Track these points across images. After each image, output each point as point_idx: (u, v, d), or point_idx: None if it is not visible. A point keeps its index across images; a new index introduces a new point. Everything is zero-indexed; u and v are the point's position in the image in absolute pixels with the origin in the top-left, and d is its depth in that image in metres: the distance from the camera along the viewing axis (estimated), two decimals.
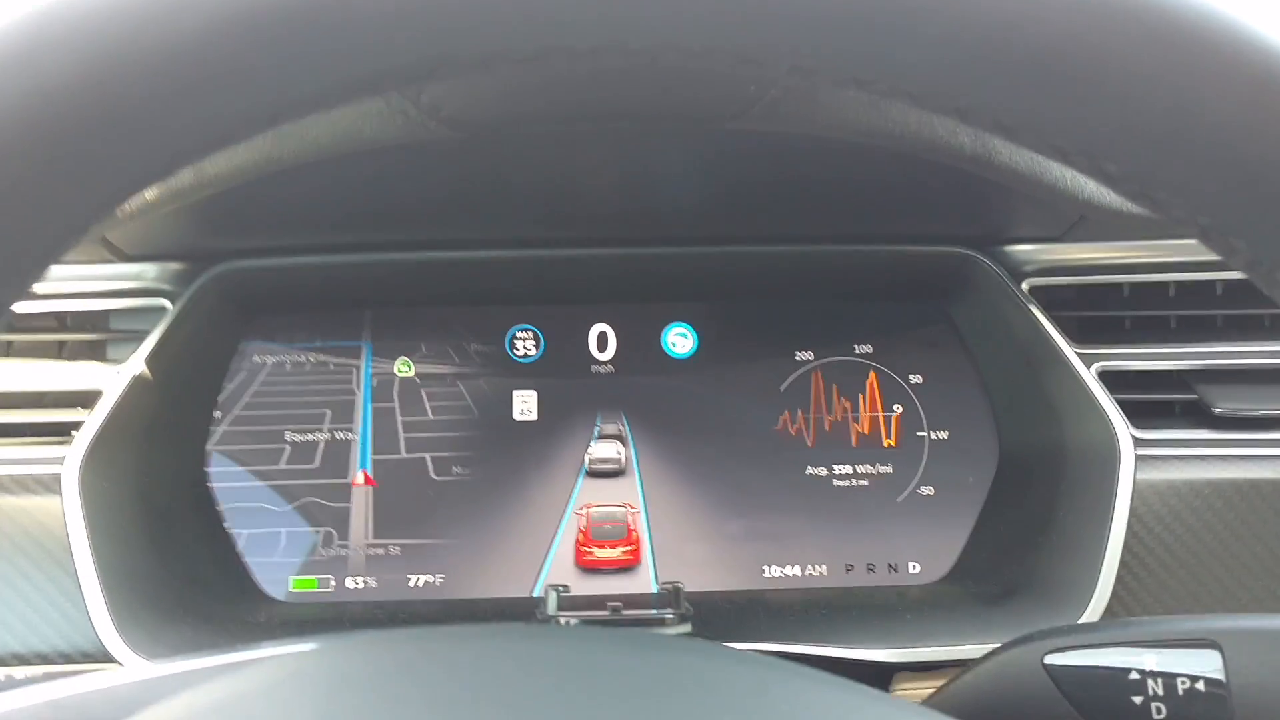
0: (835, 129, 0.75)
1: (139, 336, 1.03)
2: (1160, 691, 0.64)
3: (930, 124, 0.79)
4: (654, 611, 0.82)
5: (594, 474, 1.15)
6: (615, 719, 0.39)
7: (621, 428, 1.17)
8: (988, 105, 0.49)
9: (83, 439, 0.96)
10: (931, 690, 0.93)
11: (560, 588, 0.83)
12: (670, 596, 0.83)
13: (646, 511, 1.15)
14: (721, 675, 0.44)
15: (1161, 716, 0.64)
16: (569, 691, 0.41)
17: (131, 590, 0.96)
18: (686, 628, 0.82)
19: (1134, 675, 0.65)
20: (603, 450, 1.16)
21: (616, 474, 1.15)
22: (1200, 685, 0.63)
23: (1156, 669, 0.64)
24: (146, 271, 1.05)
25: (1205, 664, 0.64)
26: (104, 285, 1.05)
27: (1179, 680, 0.64)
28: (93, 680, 0.55)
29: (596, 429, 1.17)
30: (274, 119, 0.48)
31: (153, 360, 1.02)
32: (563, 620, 0.81)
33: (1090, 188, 0.93)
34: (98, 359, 1.06)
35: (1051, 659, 0.67)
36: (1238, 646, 0.64)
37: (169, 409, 1.06)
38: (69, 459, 0.95)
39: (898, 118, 0.77)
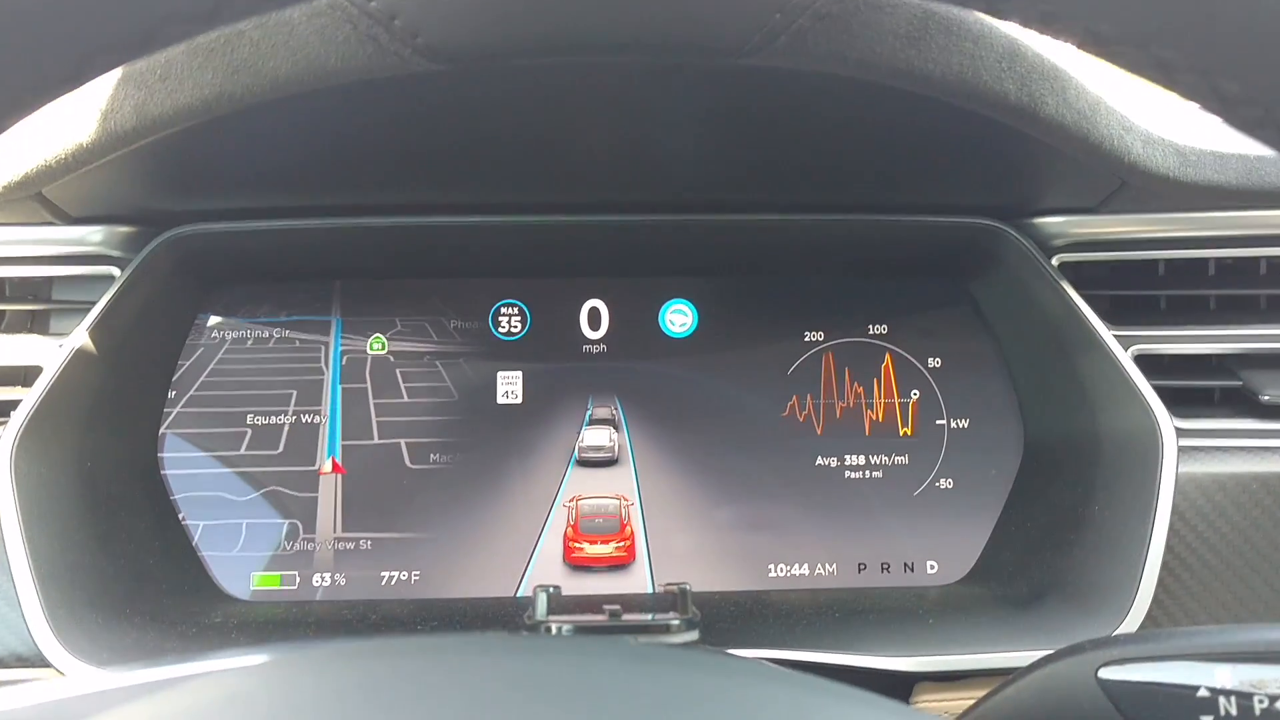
0: (868, 68, 0.66)
1: (84, 308, 0.94)
2: (1234, 711, 0.58)
3: (974, 67, 0.70)
4: (657, 617, 0.73)
5: (584, 463, 1.07)
6: None
7: (615, 412, 1.08)
8: (1081, 6, 0.41)
9: (18, 419, 0.87)
10: (957, 702, 0.85)
11: (551, 588, 0.74)
12: (675, 599, 0.74)
13: (641, 504, 1.07)
14: (751, 698, 0.37)
15: None
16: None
17: (71, 587, 0.87)
18: (694, 635, 0.73)
19: (1203, 692, 0.58)
20: (594, 437, 1.07)
21: (609, 463, 1.07)
22: None
23: (1230, 686, 0.58)
24: (91, 235, 0.95)
25: None
26: (45, 250, 0.96)
27: (1256, 700, 0.57)
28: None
29: (588, 414, 1.08)
30: (211, 15, 0.39)
31: (98, 333, 0.93)
32: (554, 627, 0.72)
33: (1137, 149, 0.85)
34: (39, 332, 0.97)
35: (1107, 673, 0.60)
36: None
37: (117, 388, 0.97)
38: (1, 441, 0.86)
39: (938, 57, 0.68)
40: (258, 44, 0.66)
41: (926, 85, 0.70)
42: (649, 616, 0.73)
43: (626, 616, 0.71)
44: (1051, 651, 0.62)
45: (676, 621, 0.71)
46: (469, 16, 0.60)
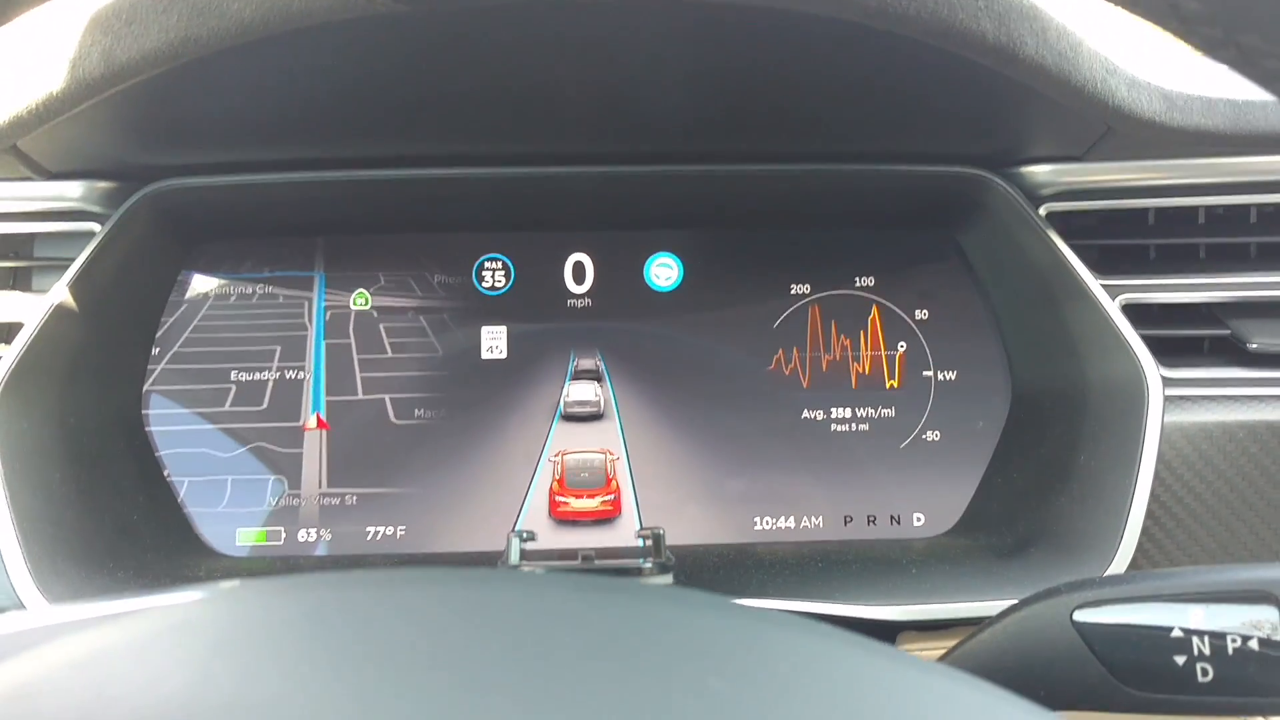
0: (839, 5, 0.65)
1: (65, 264, 0.93)
2: (1207, 651, 0.57)
3: (950, 5, 0.69)
4: (631, 561, 0.72)
5: (569, 418, 1.06)
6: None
7: (599, 365, 1.08)
8: None
9: None
10: (940, 650, 0.85)
11: (525, 534, 0.74)
12: (650, 546, 0.74)
13: (628, 458, 1.06)
14: (695, 627, 0.36)
15: (1208, 679, 0.57)
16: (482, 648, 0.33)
17: (54, 541, 0.87)
18: (667, 579, 0.73)
19: (1176, 633, 0.58)
20: (579, 391, 1.07)
21: (595, 418, 1.06)
22: (1254, 644, 0.56)
23: (1203, 626, 0.57)
24: (70, 191, 0.95)
25: (1259, 619, 0.56)
26: (24, 206, 0.95)
27: (1229, 638, 0.57)
28: None
29: (571, 366, 1.07)
30: None
31: (78, 289, 0.92)
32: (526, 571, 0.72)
33: (1122, 93, 0.84)
34: (20, 288, 0.97)
35: (1081, 615, 0.61)
36: None
37: (98, 344, 0.96)
38: None
39: None
40: None
41: (901, 24, 0.68)
42: (624, 562, 0.73)
43: (600, 563, 0.71)
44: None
45: (649, 565, 0.71)
46: None
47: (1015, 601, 0.63)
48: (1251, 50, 0.40)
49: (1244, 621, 0.57)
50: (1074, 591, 0.61)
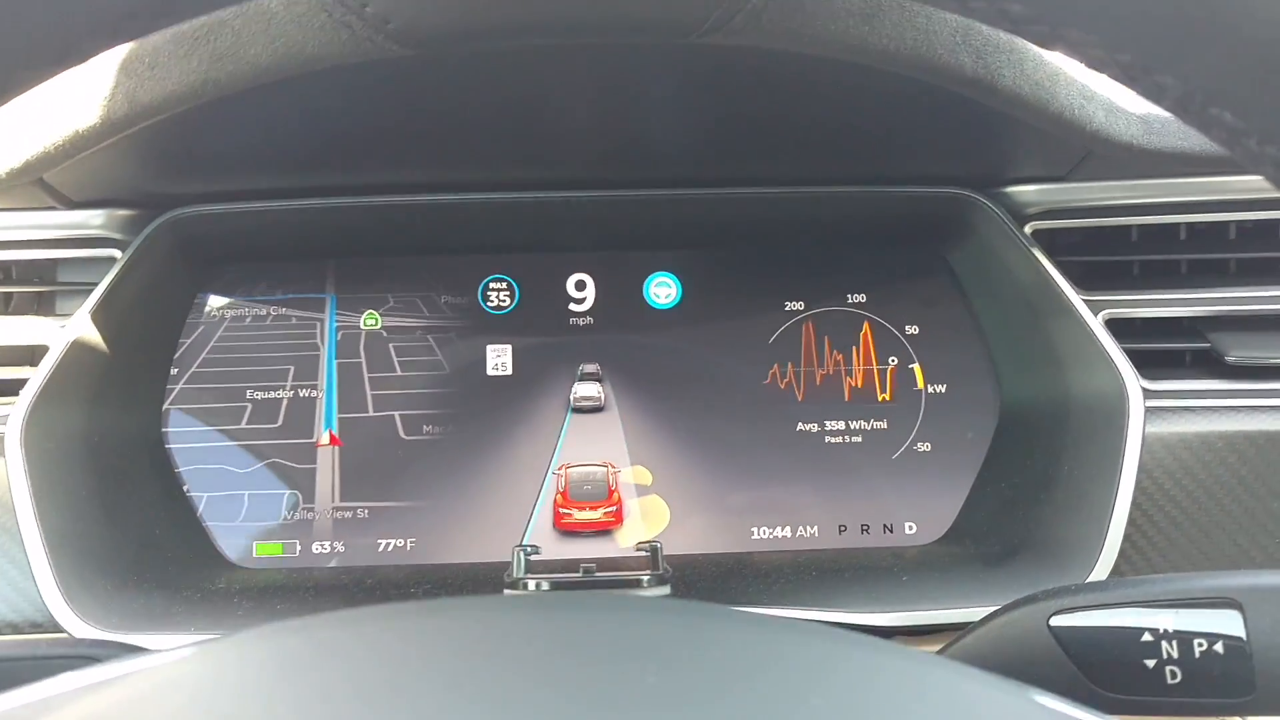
0: (823, 44, 0.69)
1: (88, 289, 0.97)
2: (1175, 654, 0.60)
3: (929, 41, 0.72)
4: (630, 574, 0.76)
5: (579, 410, 1.10)
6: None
7: (598, 368, 1.11)
8: None
9: (26, 396, 0.91)
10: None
11: (529, 549, 0.78)
12: (647, 557, 0.78)
13: (631, 470, 1.10)
14: (690, 634, 0.39)
15: (1177, 681, 0.60)
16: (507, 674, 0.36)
17: (81, 556, 0.91)
18: (665, 590, 0.76)
19: (1146, 637, 0.61)
20: (584, 389, 1.11)
21: (597, 410, 1.10)
22: (1219, 647, 0.59)
23: (1172, 630, 0.60)
24: (92, 219, 0.99)
25: (1224, 624, 0.60)
26: (49, 234, 0.99)
27: (1196, 641, 0.60)
28: None
29: (579, 371, 1.11)
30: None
31: (100, 313, 0.96)
32: (531, 584, 0.75)
33: (1099, 119, 0.87)
34: (44, 313, 1.01)
35: (1057, 620, 0.64)
36: (1260, 605, 0.60)
37: (120, 366, 1.00)
38: (11, 418, 0.90)
39: (892, 33, 0.70)
40: (239, 32, 0.69)
41: (882, 60, 0.72)
42: (623, 574, 0.76)
43: (600, 575, 0.75)
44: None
45: (647, 577, 0.75)
46: (434, 3, 0.63)
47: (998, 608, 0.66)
48: (1075, 44, 0.38)
49: (1210, 626, 0.60)
50: (1051, 598, 0.64)
